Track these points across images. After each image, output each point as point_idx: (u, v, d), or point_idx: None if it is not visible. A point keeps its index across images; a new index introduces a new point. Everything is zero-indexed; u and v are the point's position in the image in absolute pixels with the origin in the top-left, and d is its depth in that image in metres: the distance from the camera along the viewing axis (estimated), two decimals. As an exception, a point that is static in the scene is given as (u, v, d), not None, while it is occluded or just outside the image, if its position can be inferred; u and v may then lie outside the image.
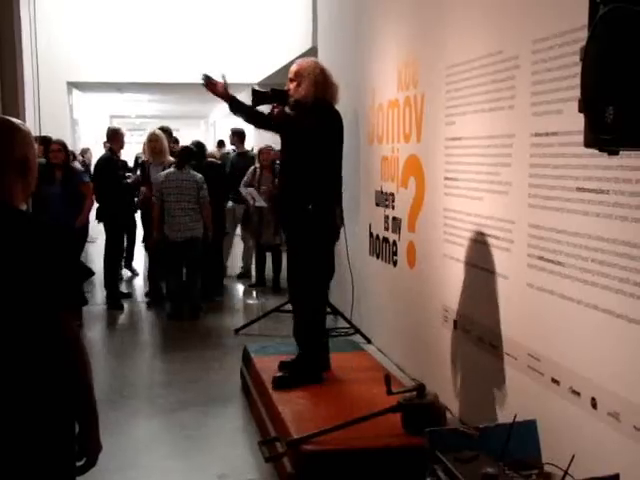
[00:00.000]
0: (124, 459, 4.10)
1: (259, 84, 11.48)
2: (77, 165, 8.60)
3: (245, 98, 4.80)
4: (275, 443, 3.76)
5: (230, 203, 8.92)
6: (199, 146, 8.09)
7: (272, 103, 4.60)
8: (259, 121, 4.65)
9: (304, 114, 4.45)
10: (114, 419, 4.72)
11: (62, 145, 7.40)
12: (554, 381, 3.29)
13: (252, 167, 8.70)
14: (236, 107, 4.55)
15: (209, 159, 8.42)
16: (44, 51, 12.74)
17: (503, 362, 3.78)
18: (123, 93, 17.33)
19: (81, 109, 17.03)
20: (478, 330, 4.09)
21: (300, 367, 4.47)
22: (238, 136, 9.92)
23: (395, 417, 3.53)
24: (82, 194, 7.32)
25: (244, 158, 9.52)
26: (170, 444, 4.34)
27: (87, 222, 7.83)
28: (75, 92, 15.85)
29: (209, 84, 4.57)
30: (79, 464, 2.07)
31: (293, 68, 4.58)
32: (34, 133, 9.66)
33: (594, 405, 2.98)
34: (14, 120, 2.05)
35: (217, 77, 4.57)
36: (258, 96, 4.58)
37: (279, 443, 3.69)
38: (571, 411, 3.13)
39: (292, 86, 4.52)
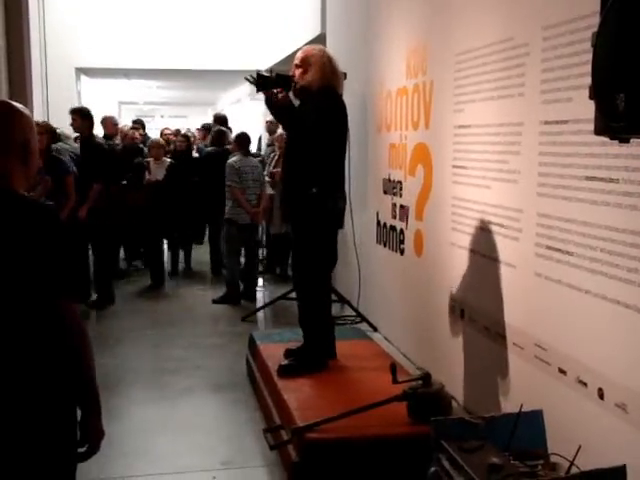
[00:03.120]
0: (128, 445, 4.11)
1: (267, 70, 11.41)
2: (70, 145, 8.06)
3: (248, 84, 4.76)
4: (280, 431, 3.76)
5: None
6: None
7: (276, 88, 4.54)
8: (286, 120, 4.66)
9: (309, 101, 4.43)
10: (119, 405, 4.75)
11: (47, 128, 6.63)
12: (561, 371, 3.27)
13: (272, 153, 8.72)
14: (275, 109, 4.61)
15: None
16: (52, 37, 12.70)
17: (510, 352, 3.76)
18: (130, 79, 17.27)
19: (89, 95, 17.00)
20: (485, 319, 4.07)
21: (305, 354, 4.46)
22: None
23: (401, 406, 3.52)
24: (64, 188, 6.52)
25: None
26: (174, 430, 4.34)
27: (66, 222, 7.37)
28: (83, 78, 15.82)
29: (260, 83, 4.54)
30: (81, 450, 2.06)
31: (299, 54, 4.55)
32: (42, 119, 9.77)
33: (601, 396, 2.96)
34: (15, 103, 2.03)
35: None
36: (262, 80, 4.53)
37: (284, 431, 3.69)
38: (578, 402, 3.11)
39: (298, 72, 4.49)
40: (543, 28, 3.39)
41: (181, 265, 9.37)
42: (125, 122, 15.54)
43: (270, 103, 4.58)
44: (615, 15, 1.90)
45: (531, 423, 2.84)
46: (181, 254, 9.35)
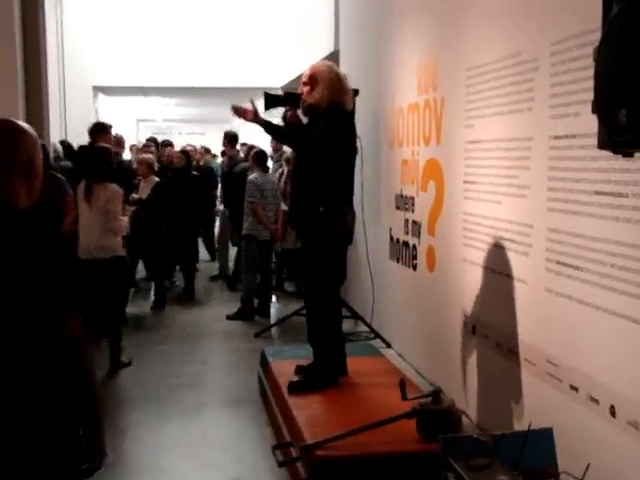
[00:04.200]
0: (140, 461, 4.11)
1: (282, 88, 11.49)
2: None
3: (260, 103, 4.76)
4: (290, 448, 3.74)
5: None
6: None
7: (285, 106, 4.54)
8: (294, 139, 4.61)
9: (316, 119, 4.41)
10: (132, 421, 4.76)
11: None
12: (572, 388, 3.23)
13: (280, 170, 8.77)
14: (271, 130, 4.63)
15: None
16: (70, 55, 12.82)
17: (521, 368, 3.72)
18: (148, 97, 17.44)
19: (107, 113, 17.17)
20: (496, 335, 4.04)
21: (315, 371, 4.44)
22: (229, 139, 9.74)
23: (410, 423, 3.49)
24: (60, 209, 6.04)
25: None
26: (186, 446, 4.33)
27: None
28: (101, 96, 15.99)
29: (239, 113, 4.56)
30: (84, 467, 2.06)
31: (307, 72, 4.51)
32: (59, 137, 9.84)
33: (613, 413, 2.92)
34: (20, 122, 2.05)
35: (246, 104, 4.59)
36: (270, 99, 4.52)
37: (293, 448, 3.67)
38: (589, 419, 3.07)
39: (305, 90, 4.45)
40: (552, 43, 3.38)
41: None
42: (142, 139, 15.73)
43: (273, 128, 4.60)
44: (617, 29, 1.89)
45: (541, 441, 2.80)
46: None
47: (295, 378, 4.41)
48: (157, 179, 7.91)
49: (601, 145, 1.98)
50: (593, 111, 1.98)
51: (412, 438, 3.44)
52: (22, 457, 1.91)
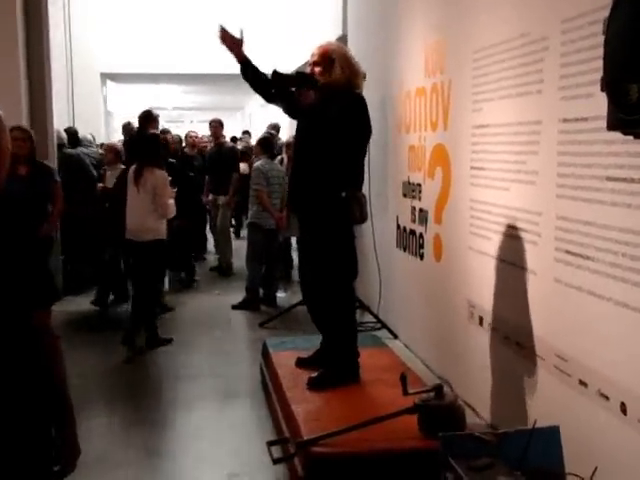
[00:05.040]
0: (135, 454, 4.01)
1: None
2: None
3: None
4: (287, 444, 3.61)
5: None
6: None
7: (296, 87, 4.25)
8: (275, 96, 4.30)
9: (332, 100, 4.15)
10: (130, 412, 4.67)
11: (26, 133, 6.12)
12: (582, 383, 3.08)
13: (279, 157, 8.62)
14: (248, 71, 4.28)
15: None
16: (78, 42, 12.74)
17: (529, 362, 3.57)
18: (158, 84, 17.32)
19: (116, 101, 17.08)
20: (504, 327, 3.89)
21: (336, 365, 4.21)
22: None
23: (412, 419, 3.35)
24: (51, 196, 6.31)
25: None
26: (184, 440, 4.23)
27: (55, 231, 6.90)
28: (110, 84, 15.89)
29: (224, 37, 4.26)
30: (56, 469, 1.94)
31: (317, 51, 4.26)
32: (67, 124, 9.74)
33: (624, 410, 2.77)
34: None
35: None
36: (280, 79, 4.24)
37: (290, 444, 3.54)
38: (599, 416, 2.92)
39: (317, 70, 4.21)
40: (562, 21, 3.21)
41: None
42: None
43: (256, 73, 4.26)
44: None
45: (547, 440, 2.66)
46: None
47: (314, 374, 4.17)
48: (123, 167, 7.10)
49: (610, 126, 1.83)
50: (602, 89, 1.83)
51: (413, 435, 3.30)
52: None
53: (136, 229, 5.85)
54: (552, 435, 2.68)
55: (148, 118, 7.49)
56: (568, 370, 3.19)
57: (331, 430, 3.29)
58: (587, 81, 3.02)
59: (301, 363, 4.43)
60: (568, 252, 3.20)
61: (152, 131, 6.62)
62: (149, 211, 5.81)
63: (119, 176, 6.77)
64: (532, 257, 3.55)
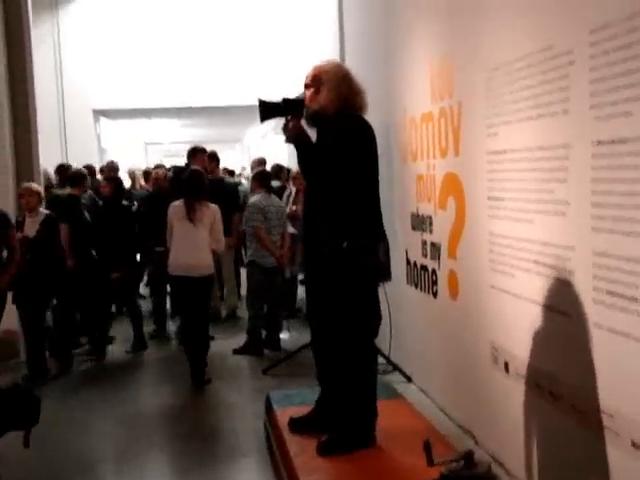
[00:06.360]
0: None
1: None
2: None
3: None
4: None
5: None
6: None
7: (285, 116, 3.74)
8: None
9: (325, 128, 3.69)
10: (129, 471, 4.24)
11: (30, 191, 6.06)
12: (634, 445, 2.66)
13: (287, 190, 8.24)
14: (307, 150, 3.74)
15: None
16: (69, 80, 12.54)
17: (567, 416, 3.15)
18: (151, 119, 17.03)
19: (113, 137, 16.81)
20: (534, 375, 3.47)
21: (349, 428, 3.68)
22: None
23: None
24: (7, 241, 5.73)
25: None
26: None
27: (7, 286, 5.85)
28: (106, 120, 15.62)
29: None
30: None
31: (310, 72, 3.79)
32: (60, 161, 9.42)
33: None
34: None
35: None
36: (267, 108, 3.74)
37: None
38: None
39: (308, 93, 3.74)
40: (590, 31, 2.84)
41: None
42: (151, 163, 15.28)
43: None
44: None
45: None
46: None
47: (324, 438, 3.65)
48: (47, 212, 6.34)
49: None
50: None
51: (442, 511, 2.86)
52: None
53: (194, 265, 5.86)
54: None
55: (195, 153, 7.62)
56: (617, 429, 2.78)
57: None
58: (624, 98, 2.64)
59: (295, 426, 3.91)
60: (610, 293, 2.79)
61: (196, 167, 6.68)
62: (207, 245, 5.93)
63: (43, 221, 6.14)
64: (565, 298, 3.14)
